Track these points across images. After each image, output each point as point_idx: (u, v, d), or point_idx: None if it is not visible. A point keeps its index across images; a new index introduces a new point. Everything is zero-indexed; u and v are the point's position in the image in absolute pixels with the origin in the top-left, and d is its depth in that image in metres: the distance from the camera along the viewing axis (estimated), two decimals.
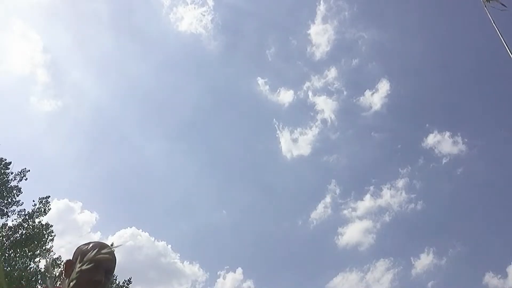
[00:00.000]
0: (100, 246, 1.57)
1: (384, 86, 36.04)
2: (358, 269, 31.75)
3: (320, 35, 39.46)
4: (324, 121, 37.29)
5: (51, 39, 42.57)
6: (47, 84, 38.45)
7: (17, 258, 17.11)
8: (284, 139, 38.33)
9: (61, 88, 39.66)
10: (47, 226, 18.14)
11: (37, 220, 18.18)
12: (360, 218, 34.21)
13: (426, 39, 40.60)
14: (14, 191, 18.07)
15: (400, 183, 35.10)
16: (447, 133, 35.92)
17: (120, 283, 18.97)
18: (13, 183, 18.03)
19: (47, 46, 39.25)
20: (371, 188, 36.26)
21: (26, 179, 18.43)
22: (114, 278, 18.86)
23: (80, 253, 1.57)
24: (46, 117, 37.50)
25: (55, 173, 38.50)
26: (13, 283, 14.66)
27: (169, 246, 32.90)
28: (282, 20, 43.32)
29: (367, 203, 34.61)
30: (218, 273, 34.11)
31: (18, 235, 17.35)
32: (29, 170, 18.60)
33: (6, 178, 17.94)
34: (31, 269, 16.67)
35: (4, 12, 38.12)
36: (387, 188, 35.59)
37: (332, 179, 39.01)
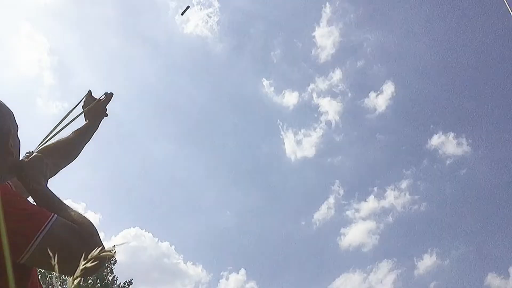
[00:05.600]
0: None
1: (389, 88, 36.23)
2: (361, 269, 31.93)
3: (325, 37, 39.75)
4: (328, 122, 37.54)
5: (57, 42, 43.03)
6: (54, 86, 38.89)
7: None
8: (288, 140, 38.66)
9: (67, 90, 40.09)
10: None
11: None
12: (364, 219, 34.44)
13: (431, 41, 40.85)
14: None
15: (404, 184, 35.27)
16: (452, 134, 35.99)
17: (121, 284, 19.06)
18: None
19: (53, 49, 39.63)
20: (375, 189, 36.45)
21: None
22: (115, 279, 19.00)
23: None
24: (52, 119, 38.00)
25: (60, 174, 38.75)
26: None
27: (173, 246, 33.10)
28: (287, 22, 43.77)
29: (370, 204, 34.85)
30: (221, 273, 34.29)
31: None
32: None
33: None
34: None
35: (11, 15, 38.63)
36: (391, 189, 35.74)
37: (336, 180, 39.27)
